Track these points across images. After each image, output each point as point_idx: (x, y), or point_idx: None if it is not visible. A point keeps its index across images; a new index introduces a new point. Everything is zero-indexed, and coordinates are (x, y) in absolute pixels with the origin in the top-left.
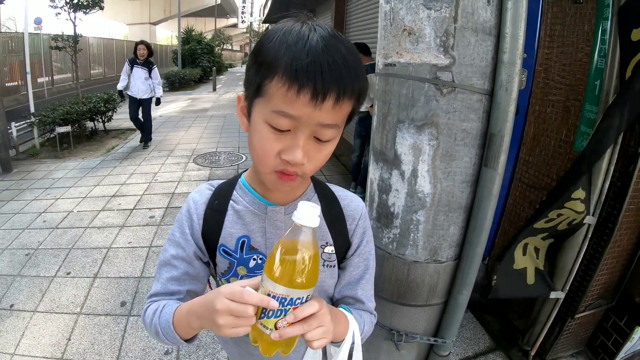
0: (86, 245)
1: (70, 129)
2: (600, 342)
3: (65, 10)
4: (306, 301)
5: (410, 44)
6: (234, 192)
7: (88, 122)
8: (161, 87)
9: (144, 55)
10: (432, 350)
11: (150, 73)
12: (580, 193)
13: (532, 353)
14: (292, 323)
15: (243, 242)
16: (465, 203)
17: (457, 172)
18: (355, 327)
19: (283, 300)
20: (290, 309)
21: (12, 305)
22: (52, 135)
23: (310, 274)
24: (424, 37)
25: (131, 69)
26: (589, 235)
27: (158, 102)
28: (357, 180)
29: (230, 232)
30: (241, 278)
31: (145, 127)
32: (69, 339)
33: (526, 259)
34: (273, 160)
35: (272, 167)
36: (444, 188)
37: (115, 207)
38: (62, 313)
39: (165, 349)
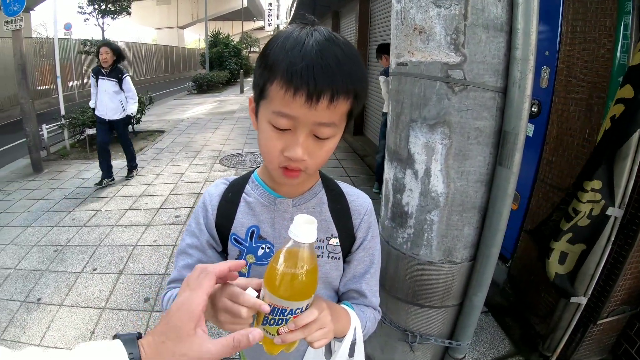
0: (113, 242)
1: None
2: (624, 350)
3: (93, 16)
4: (306, 309)
5: (421, 42)
6: (247, 186)
7: None
8: (135, 102)
9: (107, 61)
10: (447, 352)
11: (120, 85)
12: (595, 183)
13: (553, 359)
14: (293, 330)
15: (253, 232)
16: (480, 203)
17: (471, 172)
18: (357, 323)
19: (283, 311)
20: (290, 317)
21: (39, 299)
22: (82, 137)
23: (308, 286)
24: (434, 36)
25: (96, 81)
26: (612, 238)
27: (128, 120)
28: (381, 181)
29: (242, 222)
30: (249, 265)
31: (126, 153)
32: (93, 332)
33: (548, 263)
34: (277, 157)
35: (277, 163)
36: (458, 187)
37: (142, 207)
38: (87, 307)
39: None
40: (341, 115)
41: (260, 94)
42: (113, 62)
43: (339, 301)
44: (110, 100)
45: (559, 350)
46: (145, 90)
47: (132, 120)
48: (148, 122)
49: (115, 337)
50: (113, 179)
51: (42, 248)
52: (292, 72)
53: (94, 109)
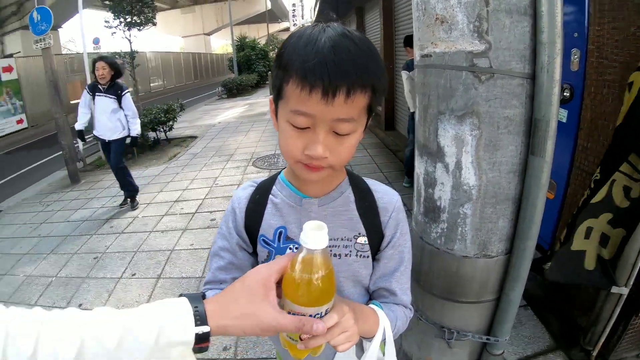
0: (150, 248)
1: None
2: None
3: (120, 29)
4: (326, 313)
5: (443, 32)
6: (274, 187)
7: (150, 132)
8: (138, 122)
9: (104, 77)
10: (485, 348)
11: (120, 102)
12: (634, 158)
13: (594, 353)
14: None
15: (280, 233)
16: (514, 194)
17: (503, 162)
18: (387, 324)
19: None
20: None
21: (80, 305)
22: None
23: (325, 291)
24: (456, 24)
25: (93, 99)
26: None
27: (134, 142)
28: (410, 175)
29: (269, 223)
30: None
31: (119, 180)
32: None
33: (587, 243)
34: (299, 156)
35: (298, 161)
36: (490, 179)
37: (178, 212)
38: None
39: (224, 345)
40: (360, 110)
41: (278, 95)
42: (111, 77)
43: (370, 299)
44: (109, 120)
45: (600, 343)
46: (175, 98)
47: (137, 141)
48: (180, 128)
49: (180, 295)
50: (137, 190)
51: (82, 256)
52: (306, 70)
53: (80, 131)
